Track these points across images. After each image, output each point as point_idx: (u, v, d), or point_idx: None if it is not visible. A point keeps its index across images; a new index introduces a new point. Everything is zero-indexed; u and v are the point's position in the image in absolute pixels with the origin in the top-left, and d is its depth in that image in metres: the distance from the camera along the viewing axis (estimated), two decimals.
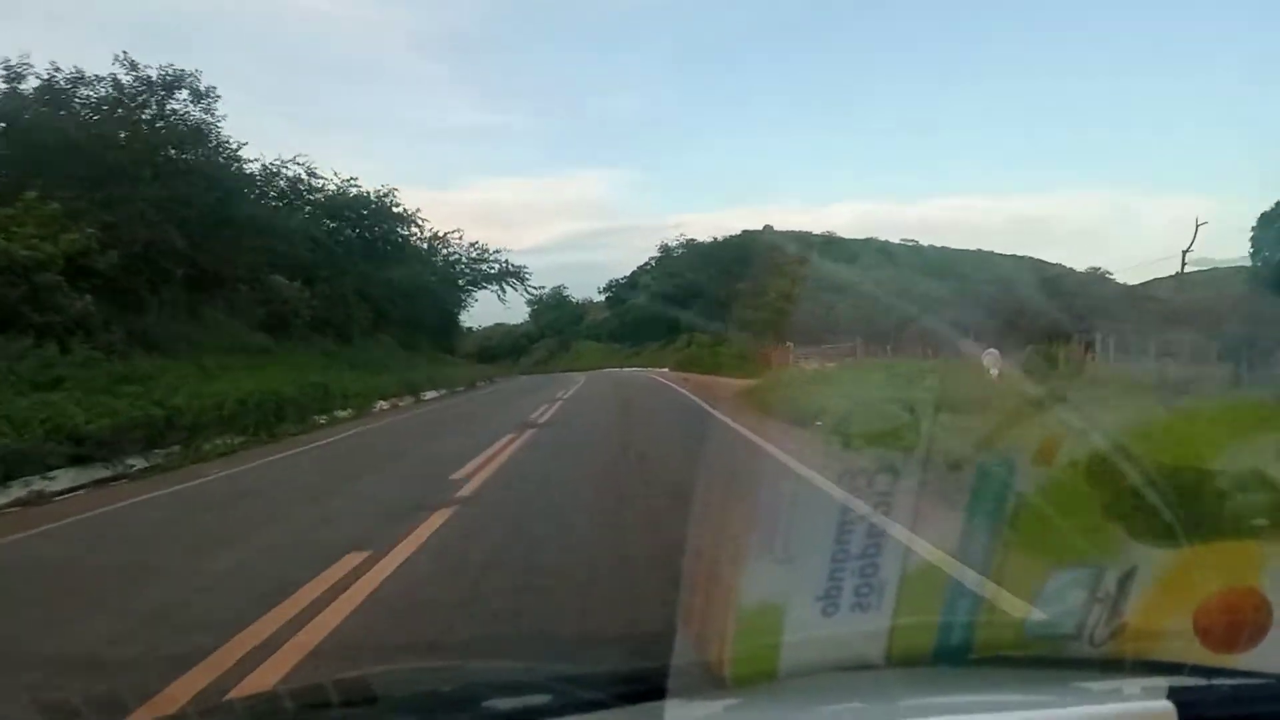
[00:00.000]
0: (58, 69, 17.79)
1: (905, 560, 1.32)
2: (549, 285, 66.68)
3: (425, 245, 42.26)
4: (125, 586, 4.63)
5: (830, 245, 53.24)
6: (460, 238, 44.97)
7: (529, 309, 65.80)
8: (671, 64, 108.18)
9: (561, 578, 4.41)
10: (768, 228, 59.30)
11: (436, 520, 5.84)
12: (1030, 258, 52.49)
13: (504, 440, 11.05)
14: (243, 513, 7.12)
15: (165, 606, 4.20)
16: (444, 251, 43.97)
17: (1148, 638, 1.26)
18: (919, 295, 34.07)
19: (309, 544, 5.49)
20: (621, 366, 50.67)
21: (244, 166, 22.52)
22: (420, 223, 34.04)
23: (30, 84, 17.33)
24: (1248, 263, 27.23)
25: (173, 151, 18.74)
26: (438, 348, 42.44)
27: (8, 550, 6.07)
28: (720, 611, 1.18)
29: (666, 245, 62.62)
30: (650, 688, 1.08)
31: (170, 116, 18.58)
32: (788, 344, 30.10)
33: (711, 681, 1.11)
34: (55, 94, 17.55)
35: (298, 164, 24.72)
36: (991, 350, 18.67)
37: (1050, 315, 27.18)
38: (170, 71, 19.04)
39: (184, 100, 19.33)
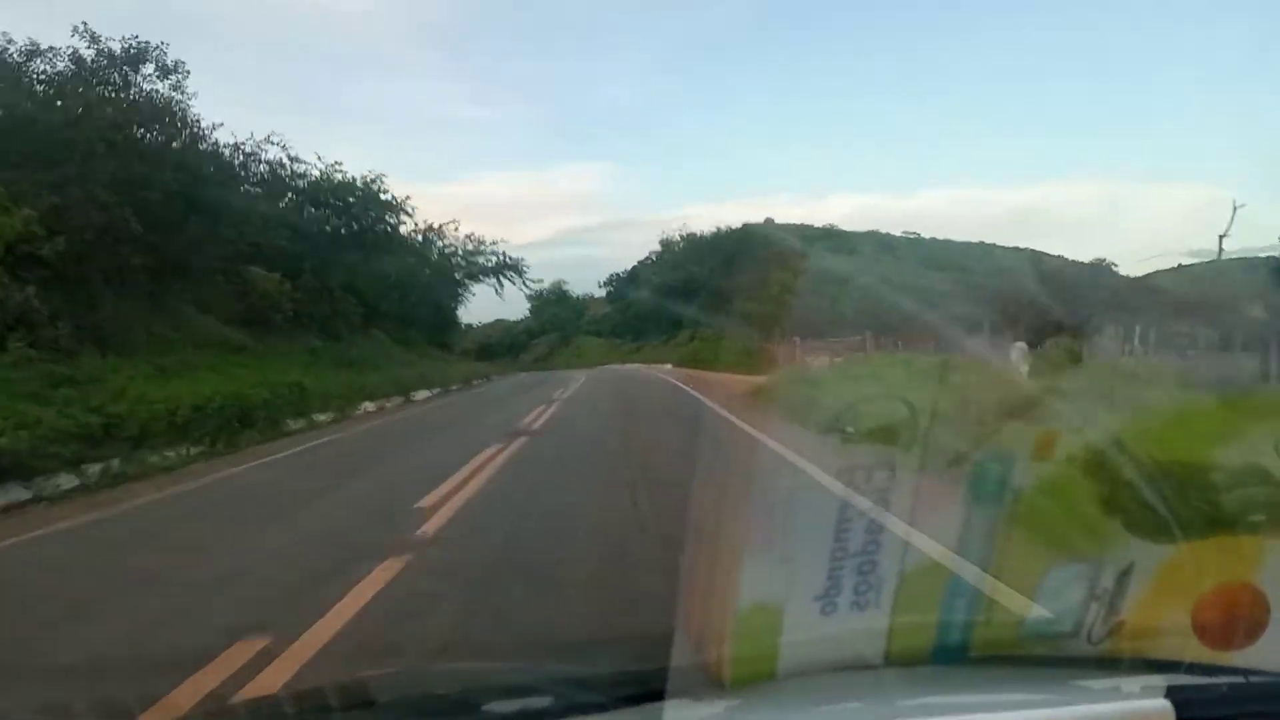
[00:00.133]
0: (10, 40, 16.37)
1: None
2: (549, 280, 65.42)
3: (420, 237, 40.82)
4: None
5: (831, 238, 52.37)
6: (456, 229, 43.49)
7: (529, 304, 64.50)
8: (669, 57, 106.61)
9: None
10: (768, 220, 58.20)
11: (379, 578, 4.42)
12: (1031, 249, 51.41)
13: (489, 452, 9.66)
14: (139, 561, 5.57)
15: None
16: (439, 243, 42.48)
17: (1145, 635, 1.25)
18: (923, 288, 33.59)
19: (189, 623, 4.03)
20: (623, 362, 49.43)
21: (221, 150, 21.07)
22: (410, 210, 32.26)
23: None
24: (1268, 253, 26.50)
25: (140, 131, 17.29)
26: (434, 344, 40.97)
27: None
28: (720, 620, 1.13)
29: (667, 239, 61.25)
30: (650, 690, 1.08)
31: (132, 91, 17.09)
32: (794, 338, 28.93)
33: (711, 683, 1.11)
34: (6, 68, 16.11)
35: (272, 143, 22.66)
36: (1020, 344, 17.44)
37: (1059, 308, 26.37)
38: (134, 44, 17.56)
39: (150, 76, 17.89)
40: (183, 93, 18.41)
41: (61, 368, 11.43)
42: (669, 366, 39.40)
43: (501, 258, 46.18)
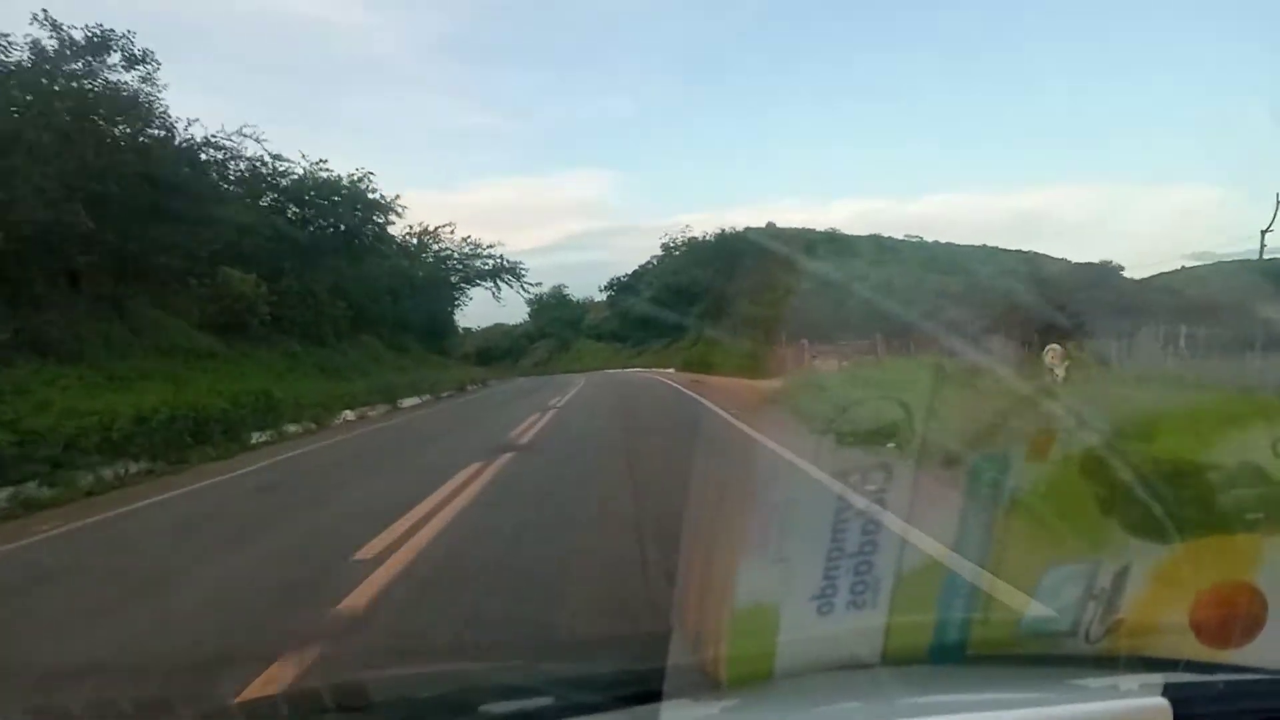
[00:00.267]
0: None
1: None
2: (549, 285, 64.22)
3: (415, 240, 39.67)
4: None
5: (834, 242, 51.42)
6: (452, 232, 42.33)
7: (528, 308, 63.33)
8: (670, 63, 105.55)
9: None
10: (770, 225, 57.10)
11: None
12: (1035, 252, 50.47)
13: (465, 475, 8.36)
14: None
15: None
16: (434, 247, 41.31)
17: (1143, 633, 1.24)
18: (929, 291, 33.21)
19: None
20: (624, 367, 48.22)
21: (196, 146, 19.86)
22: (400, 210, 30.95)
23: None
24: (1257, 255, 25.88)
25: (101, 123, 16.13)
26: (430, 349, 39.84)
27: None
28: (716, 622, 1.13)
29: (668, 243, 59.97)
30: (647, 690, 1.09)
31: (94, 80, 15.94)
32: (802, 341, 27.79)
33: (708, 683, 1.11)
34: None
35: (245, 135, 21.04)
36: (1055, 346, 16.18)
37: (1069, 310, 25.56)
38: (97, 32, 16.46)
39: (115, 65, 16.74)
40: (153, 84, 17.32)
41: None
42: (672, 371, 38.22)
43: (499, 261, 45.11)
